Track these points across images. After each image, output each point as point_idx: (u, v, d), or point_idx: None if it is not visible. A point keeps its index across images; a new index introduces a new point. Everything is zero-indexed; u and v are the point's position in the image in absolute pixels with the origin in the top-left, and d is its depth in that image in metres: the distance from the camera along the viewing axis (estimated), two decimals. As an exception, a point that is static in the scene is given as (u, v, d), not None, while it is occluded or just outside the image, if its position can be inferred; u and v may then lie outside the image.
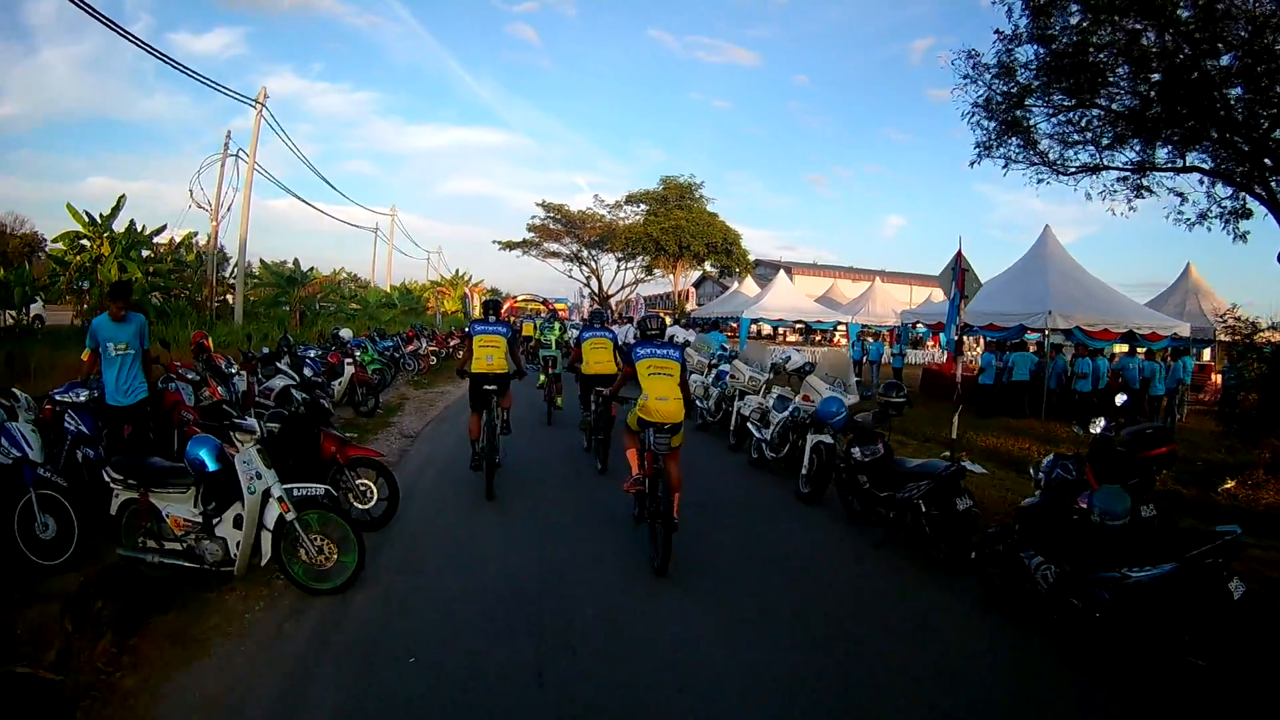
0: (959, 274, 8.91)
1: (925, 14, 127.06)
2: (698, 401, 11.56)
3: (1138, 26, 8.84)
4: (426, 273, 52.38)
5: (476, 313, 30.06)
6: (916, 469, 5.89)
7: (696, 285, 50.61)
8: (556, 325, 14.35)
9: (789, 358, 9.08)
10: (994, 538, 5.08)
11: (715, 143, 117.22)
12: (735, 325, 30.15)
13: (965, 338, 22.77)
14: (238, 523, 4.62)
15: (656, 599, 4.90)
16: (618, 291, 47.88)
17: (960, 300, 8.85)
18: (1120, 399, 6.01)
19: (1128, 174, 10.27)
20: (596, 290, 48.30)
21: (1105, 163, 10.26)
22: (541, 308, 32.52)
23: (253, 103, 20.11)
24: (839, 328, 33.41)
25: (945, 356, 30.15)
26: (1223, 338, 11.27)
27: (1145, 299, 19.60)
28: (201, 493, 4.71)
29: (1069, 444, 11.45)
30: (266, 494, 4.63)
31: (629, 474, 5.87)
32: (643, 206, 43.20)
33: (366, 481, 6.14)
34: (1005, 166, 10.76)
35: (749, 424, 9.19)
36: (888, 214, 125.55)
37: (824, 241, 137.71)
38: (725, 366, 11.43)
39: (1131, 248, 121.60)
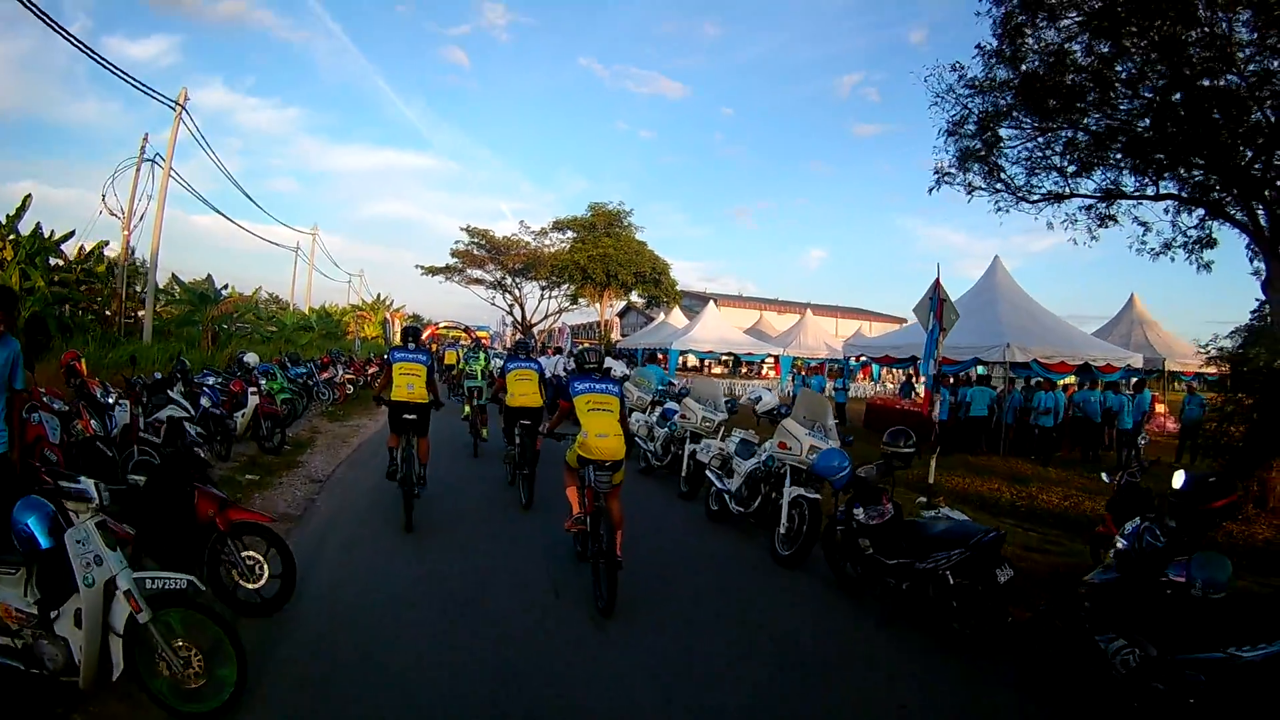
0: (937, 305, 8.25)
1: (851, 49, 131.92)
2: (640, 442, 10.48)
3: (1107, 50, 8.47)
4: (348, 296, 49.83)
5: (396, 339, 28.31)
6: (943, 534, 4.90)
7: (621, 315, 49.85)
8: (482, 355, 13.37)
9: (759, 397, 8.04)
10: (1050, 615, 4.28)
11: (640, 173, 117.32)
12: (663, 356, 29.40)
13: (902, 370, 22.75)
14: (81, 620, 3.24)
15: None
16: (541, 320, 46.79)
17: (940, 333, 8.17)
18: (1142, 440, 5.52)
19: (1094, 202, 9.91)
20: (520, 319, 46.98)
21: (1072, 190, 9.86)
22: (464, 335, 30.94)
23: (172, 104, 18.50)
24: (768, 360, 33.13)
25: (875, 388, 30.36)
26: (1209, 369, 10.98)
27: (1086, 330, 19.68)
28: (34, 577, 3.32)
29: (1037, 482, 11.11)
30: (111, 585, 3.28)
31: (569, 513, 5.72)
32: (570, 233, 42.32)
33: (254, 554, 4.72)
34: (970, 193, 10.26)
35: (708, 472, 8.05)
36: (810, 246, 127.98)
37: (746, 273, 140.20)
38: (672, 405, 10.28)
39: (1054, 281, 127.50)
